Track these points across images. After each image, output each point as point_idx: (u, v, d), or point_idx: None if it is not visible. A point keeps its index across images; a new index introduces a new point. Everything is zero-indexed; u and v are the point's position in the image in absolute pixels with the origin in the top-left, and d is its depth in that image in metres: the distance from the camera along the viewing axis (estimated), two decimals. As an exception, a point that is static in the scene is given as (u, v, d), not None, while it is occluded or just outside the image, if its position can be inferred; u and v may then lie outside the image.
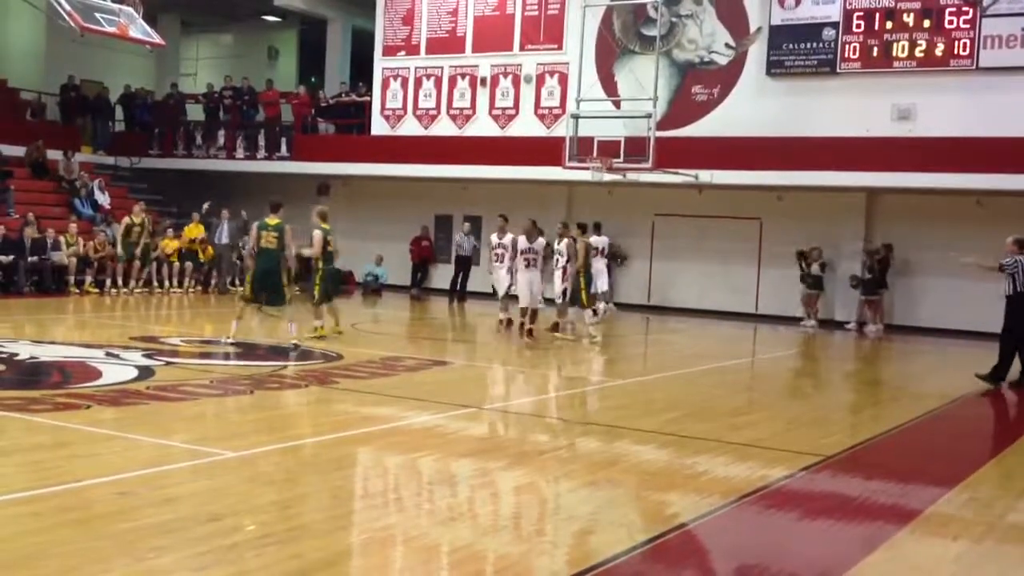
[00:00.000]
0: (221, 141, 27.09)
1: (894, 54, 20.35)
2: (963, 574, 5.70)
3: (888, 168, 19.79)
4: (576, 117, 21.13)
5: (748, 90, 21.79)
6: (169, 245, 22.39)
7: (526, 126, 23.90)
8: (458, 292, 23.67)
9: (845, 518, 6.65)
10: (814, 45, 21.03)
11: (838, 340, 19.90)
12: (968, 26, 19.66)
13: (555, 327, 16.40)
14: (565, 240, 16.10)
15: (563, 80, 23.40)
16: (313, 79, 30.45)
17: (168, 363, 11.58)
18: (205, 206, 23.19)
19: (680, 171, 20.93)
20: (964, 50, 19.70)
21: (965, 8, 19.58)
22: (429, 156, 24.14)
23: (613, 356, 16.39)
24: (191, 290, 22.21)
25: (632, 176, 20.82)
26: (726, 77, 22.04)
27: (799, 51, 21.19)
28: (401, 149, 24.74)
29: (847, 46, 20.74)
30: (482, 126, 24.45)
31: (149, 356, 11.96)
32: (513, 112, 24.19)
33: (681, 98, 22.37)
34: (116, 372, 10.74)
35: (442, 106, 24.99)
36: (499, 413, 9.88)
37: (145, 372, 10.80)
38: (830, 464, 8.10)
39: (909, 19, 20.17)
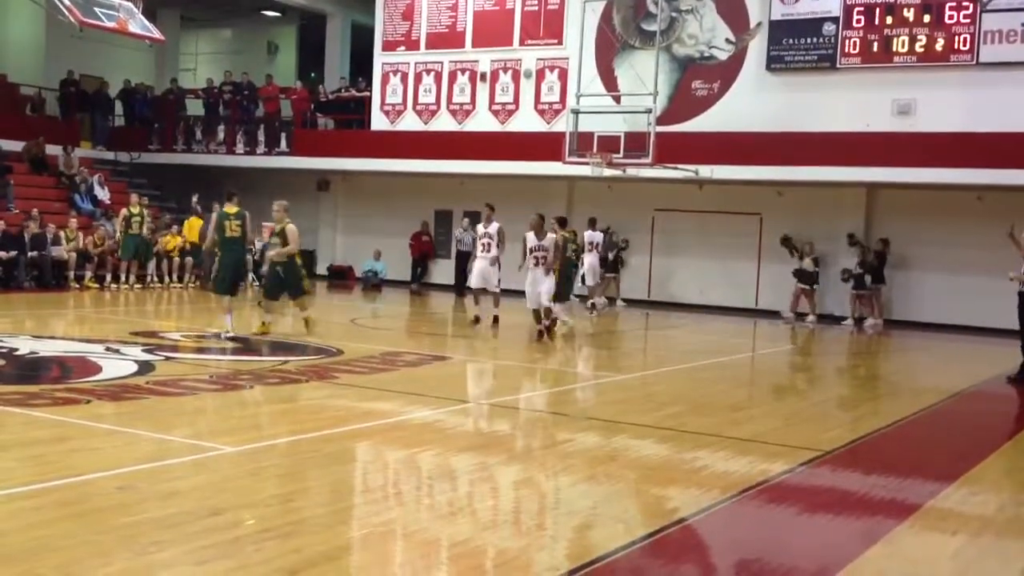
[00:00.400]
0: (221, 136, 27.11)
1: (894, 49, 20.34)
2: (962, 569, 5.71)
3: (888, 163, 19.79)
4: (576, 112, 21.14)
5: (748, 85, 21.78)
6: (171, 242, 22.39)
7: (526, 121, 23.90)
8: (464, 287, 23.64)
9: (844, 513, 6.66)
10: (814, 40, 21.02)
11: (837, 335, 19.90)
12: (968, 21, 19.66)
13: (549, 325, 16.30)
14: (550, 235, 15.42)
15: (563, 75, 23.40)
16: (313, 74, 30.45)
17: (168, 358, 11.58)
18: (194, 199, 23.20)
19: (680, 166, 20.93)
20: (964, 45, 19.69)
21: (965, 3, 19.58)
22: (429, 151, 24.14)
23: (613, 351, 16.41)
24: (191, 285, 22.21)
25: (632, 171, 20.83)
26: (726, 72, 22.03)
27: (799, 46, 21.19)
28: (401, 144, 24.75)
29: (847, 41, 20.73)
30: (482, 121, 24.44)
31: (149, 351, 11.97)
32: (513, 107, 24.18)
33: (681, 93, 22.37)
34: (116, 367, 10.74)
35: (442, 101, 24.98)
36: (499, 408, 9.89)
37: (145, 367, 10.80)
38: (829, 459, 8.11)
39: (909, 14, 20.17)
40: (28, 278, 20.02)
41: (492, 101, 24.40)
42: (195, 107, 28.67)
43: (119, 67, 28.30)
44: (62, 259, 20.49)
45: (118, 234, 21.28)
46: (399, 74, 25.47)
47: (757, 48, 21.72)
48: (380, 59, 25.74)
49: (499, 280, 16.54)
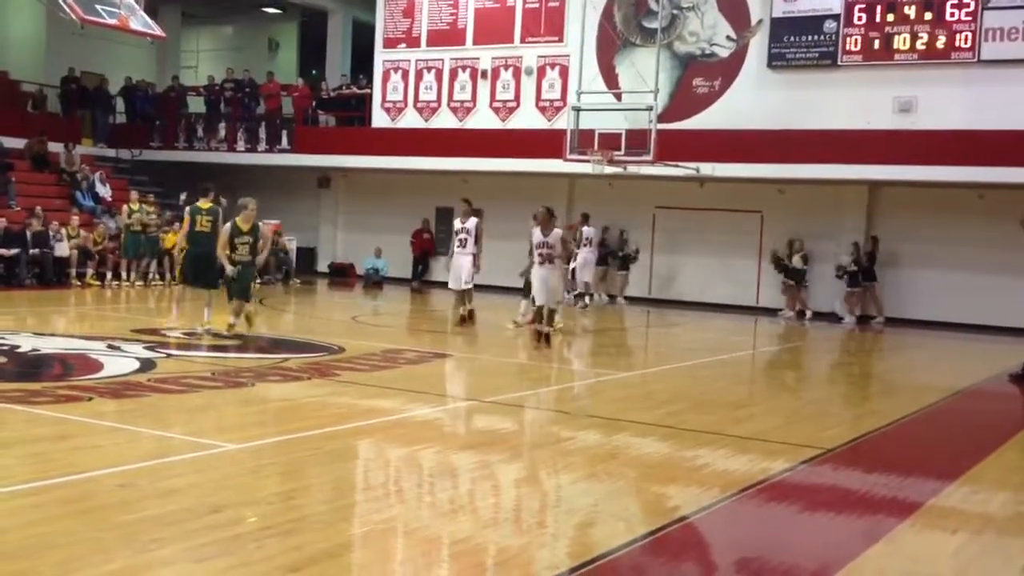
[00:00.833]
0: (222, 133, 27.10)
1: (895, 47, 20.33)
2: (963, 567, 5.71)
3: (889, 161, 19.78)
4: (577, 110, 21.13)
5: (749, 83, 21.78)
6: (171, 239, 22.37)
7: (527, 118, 23.89)
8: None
9: (845, 511, 6.66)
10: (815, 37, 21.01)
11: (838, 333, 19.90)
12: (969, 19, 19.65)
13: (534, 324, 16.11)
14: (556, 230, 14.32)
15: (564, 72, 23.39)
16: (314, 71, 30.44)
17: (169, 355, 11.59)
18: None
19: (681, 164, 20.93)
20: (966, 43, 19.68)
21: (967, 0, 19.56)
22: (430, 149, 24.15)
23: (614, 349, 16.41)
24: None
25: (633, 169, 20.82)
26: (727, 70, 22.02)
27: (800, 43, 21.18)
28: (402, 141, 24.75)
29: (848, 38, 20.72)
30: (483, 119, 24.44)
31: (151, 348, 11.97)
32: (514, 104, 24.18)
33: (682, 91, 22.36)
34: (118, 364, 10.75)
35: (443, 98, 24.98)
36: (500, 405, 9.89)
37: (147, 364, 10.81)
38: (831, 457, 8.11)
39: (910, 11, 20.16)
40: (30, 275, 20.03)
41: (493, 98, 24.40)
42: (196, 104, 28.68)
43: (120, 64, 28.30)
44: (64, 256, 20.49)
45: (123, 235, 21.28)
46: (400, 71, 25.47)
47: (758, 45, 21.72)
48: (381, 56, 25.74)
49: (472, 276, 15.85)
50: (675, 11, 22.40)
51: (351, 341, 13.77)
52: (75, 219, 21.46)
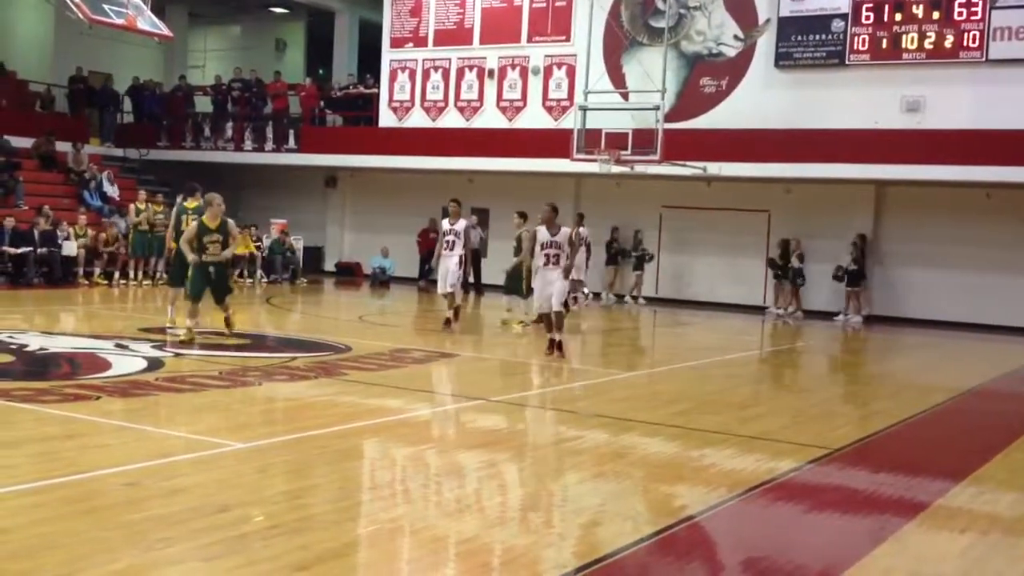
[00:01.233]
0: (229, 133, 27.13)
1: (903, 46, 20.29)
2: (970, 567, 5.69)
3: (897, 160, 19.74)
4: (584, 109, 21.12)
5: (756, 82, 21.75)
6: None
7: (534, 118, 23.89)
8: (471, 285, 23.64)
9: (852, 511, 6.65)
10: (823, 37, 20.97)
11: (843, 333, 19.87)
12: (978, 18, 19.60)
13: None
14: (564, 228, 13.38)
15: (571, 72, 23.38)
16: (321, 71, 30.46)
17: (177, 354, 11.61)
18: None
19: (688, 163, 20.91)
20: (974, 42, 19.63)
21: (974, 0, 19.51)
22: (436, 148, 24.15)
23: (621, 348, 16.41)
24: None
25: (640, 168, 20.80)
26: (734, 69, 22.00)
27: (808, 43, 21.14)
28: (409, 141, 24.76)
29: (856, 38, 20.68)
30: (490, 118, 24.44)
31: (158, 347, 12.00)
32: (521, 104, 24.17)
33: (689, 90, 22.34)
34: (125, 363, 10.78)
35: (450, 98, 24.98)
36: (506, 405, 9.89)
37: (154, 363, 10.83)
38: (837, 457, 8.10)
39: (918, 11, 20.11)
40: (38, 274, 20.09)
41: (500, 98, 24.40)
42: (204, 104, 28.71)
43: (128, 64, 28.36)
44: (71, 256, 20.55)
45: (130, 234, 21.33)
46: (407, 71, 25.48)
47: (766, 45, 21.69)
48: (388, 56, 25.75)
49: (459, 279, 15.67)
50: (682, 10, 22.38)
51: (358, 340, 13.78)
52: (83, 218, 21.52)
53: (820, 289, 21.81)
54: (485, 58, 24.53)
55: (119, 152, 27.34)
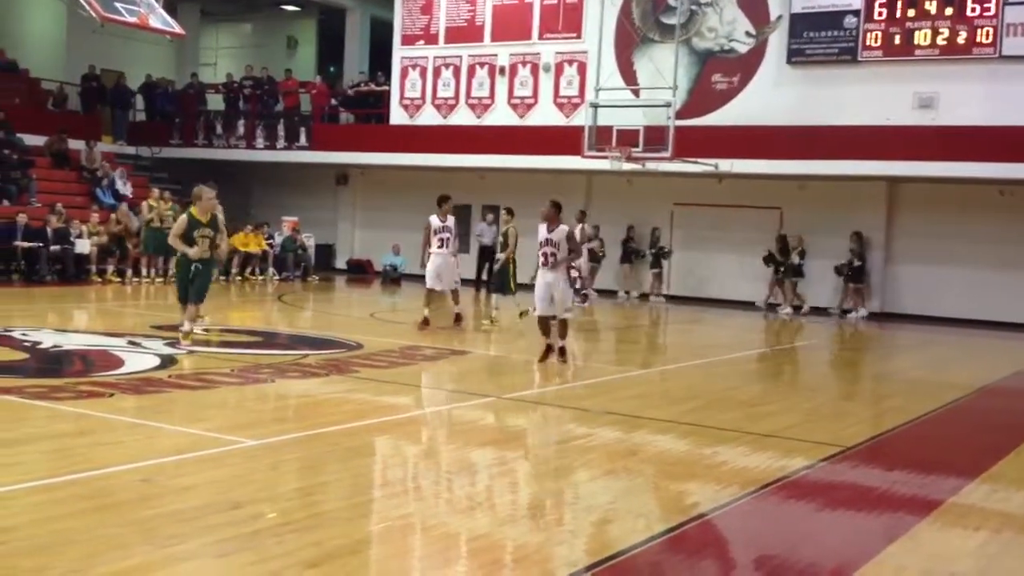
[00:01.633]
0: (241, 131, 27.19)
1: (916, 42, 20.20)
2: (983, 564, 5.67)
3: (910, 157, 19.67)
4: (595, 106, 21.09)
5: (768, 79, 21.69)
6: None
7: (545, 115, 23.87)
8: (485, 283, 23.58)
9: (865, 509, 6.63)
10: (835, 33, 20.90)
11: (852, 330, 19.81)
12: (991, 14, 19.50)
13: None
14: (562, 226, 12.09)
15: (582, 69, 23.35)
16: (332, 68, 30.50)
17: (190, 352, 11.64)
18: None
19: (700, 160, 20.87)
20: (987, 38, 19.54)
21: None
22: (448, 145, 24.16)
23: (632, 346, 16.39)
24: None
25: (651, 165, 20.77)
26: (746, 66, 21.94)
27: (820, 39, 21.07)
28: (420, 138, 24.77)
29: (868, 34, 20.61)
30: (501, 115, 24.44)
31: (171, 345, 12.03)
32: (532, 101, 24.16)
33: (701, 87, 22.29)
34: (138, 360, 10.81)
35: (460, 95, 24.98)
36: (518, 402, 9.89)
37: (167, 360, 10.86)
38: (850, 455, 8.08)
39: (931, 7, 20.02)
40: (51, 272, 20.17)
41: (511, 95, 24.39)
42: (215, 102, 28.78)
43: (140, 62, 28.43)
44: (84, 253, 20.62)
45: (142, 232, 21.39)
46: (418, 68, 25.49)
47: (777, 41, 21.62)
48: (399, 53, 25.76)
49: (458, 277, 15.54)
50: (693, 7, 22.33)
51: (369, 338, 13.80)
52: (95, 216, 21.59)
53: (829, 285, 21.76)
54: (496, 55, 24.52)
55: (131, 150, 27.42)
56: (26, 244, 19.84)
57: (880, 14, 20.49)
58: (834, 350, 17.50)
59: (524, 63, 24.23)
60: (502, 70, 24.41)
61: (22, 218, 20.23)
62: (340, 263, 27.94)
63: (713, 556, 5.72)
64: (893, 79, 20.40)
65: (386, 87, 26.04)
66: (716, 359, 14.24)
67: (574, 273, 16.77)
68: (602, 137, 20.61)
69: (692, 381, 12.05)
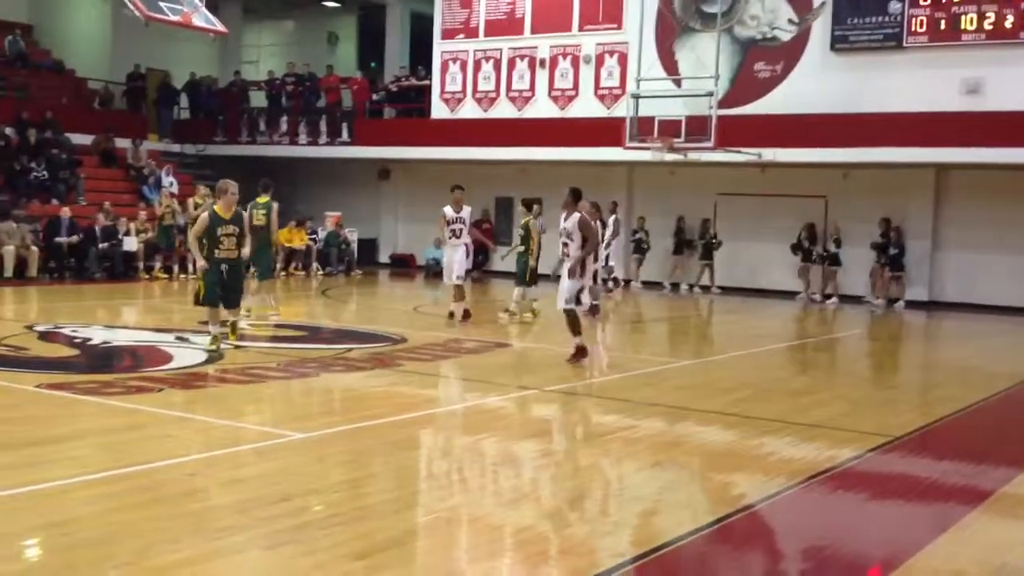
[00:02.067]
0: (284, 127, 27.39)
1: (962, 27, 19.85)
2: (1037, 556, 5.60)
3: (957, 143, 19.36)
4: (636, 97, 20.98)
5: (812, 66, 21.44)
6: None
7: (586, 107, 23.79)
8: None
9: (915, 499, 6.57)
10: (880, 19, 20.62)
11: (897, 320, 19.57)
12: (1039, -4, 19.14)
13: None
14: (575, 214, 11.22)
15: (622, 60, 23.24)
16: (373, 64, 30.62)
17: (236, 347, 11.76)
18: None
19: (743, 150, 20.69)
20: (1035, 21, 19.17)
21: (1036, -22, 19.09)
22: (489, 139, 24.15)
23: (676, 337, 16.31)
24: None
25: (694, 156, 20.62)
26: (789, 53, 21.71)
27: (864, 25, 20.80)
28: (461, 132, 24.80)
29: (914, 19, 20.29)
30: (541, 108, 24.40)
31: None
32: (573, 93, 24.09)
33: (743, 75, 22.09)
34: (186, 356, 10.95)
35: (501, 88, 24.97)
36: (562, 394, 9.89)
37: (214, 356, 10.98)
38: (898, 445, 7.99)
39: (978, -10, 19.68)
40: (99, 269, 20.47)
41: (551, 87, 24.33)
42: (258, 99, 29.02)
43: (183, 60, 28.73)
44: (132, 250, 20.91)
45: (188, 231, 21.61)
46: (458, 62, 25.51)
47: (821, 28, 21.37)
48: (439, 47, 25.79)
49: (466, 271, 15.30)
50: (735, -5, 22.13)
51: (413, 331, 13.86)
52: (142, 214, 21.86)
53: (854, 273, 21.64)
54: (536, 48, 24.46)
55: (176, 148, 27.73)
56: (66, 240, 20.09)
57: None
58: (878, 339, 17.30)
59: (564, 55, 24.16)
60: (542, 62, 24.36)
61: (65, 212, 20.47)
62: (383, 257, 28.08)
63: (760, 548, 5.69)
64: (939, 65, 20.08)
65: (427, 81, 26.10)
66: (760, 349, 14.14)
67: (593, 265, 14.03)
68: (644, 128, 20.50)
69: (737, 371, 11.97)
